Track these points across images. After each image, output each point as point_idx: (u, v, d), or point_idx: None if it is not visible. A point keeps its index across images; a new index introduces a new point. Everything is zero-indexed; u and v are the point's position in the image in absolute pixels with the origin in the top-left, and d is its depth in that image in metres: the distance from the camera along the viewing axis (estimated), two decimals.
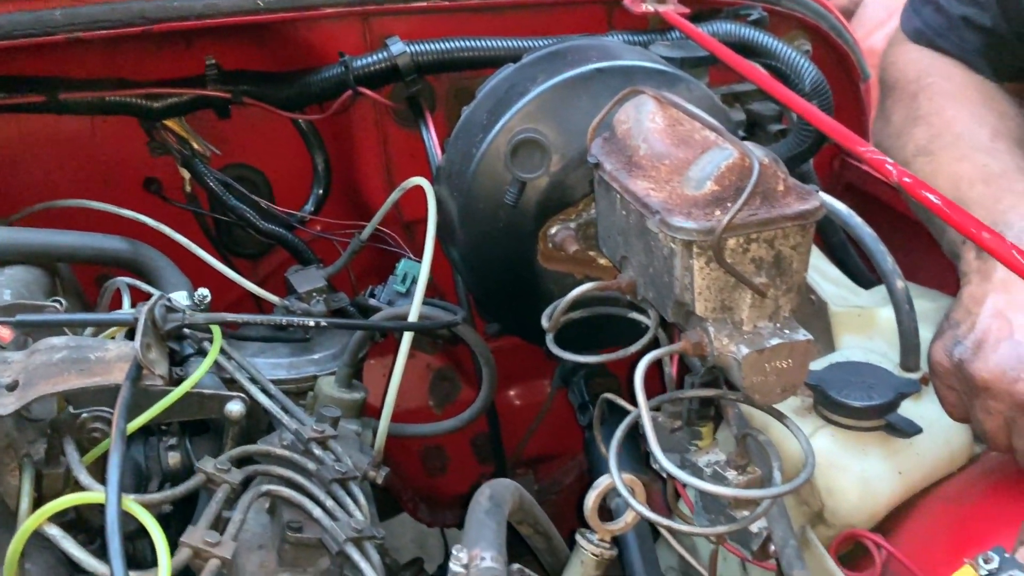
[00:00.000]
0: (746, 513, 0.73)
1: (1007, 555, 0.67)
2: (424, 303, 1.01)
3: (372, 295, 1.10)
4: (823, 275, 1.08)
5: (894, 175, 0.65)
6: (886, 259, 0.87)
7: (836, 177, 1.34)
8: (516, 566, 0.55)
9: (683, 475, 0.61)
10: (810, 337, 0.66)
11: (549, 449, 1.45)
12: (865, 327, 1.01)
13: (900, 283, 0.86)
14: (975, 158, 0.81)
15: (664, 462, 0.62)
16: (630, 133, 0.74)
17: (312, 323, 0.81)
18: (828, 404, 0.82)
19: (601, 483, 0.68)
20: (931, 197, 0.62)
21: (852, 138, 0.69)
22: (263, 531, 0.82)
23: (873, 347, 0.97)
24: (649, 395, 0.72)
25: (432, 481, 1.42)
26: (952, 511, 0.79)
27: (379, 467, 0.88)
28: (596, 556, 0.70)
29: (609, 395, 0.87)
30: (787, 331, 0.66)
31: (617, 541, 0.97)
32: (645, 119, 0.73)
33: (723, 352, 0.66)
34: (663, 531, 0.85)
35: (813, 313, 1.05)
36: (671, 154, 0.70)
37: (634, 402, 0.77)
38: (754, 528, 0.71)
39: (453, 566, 0.53)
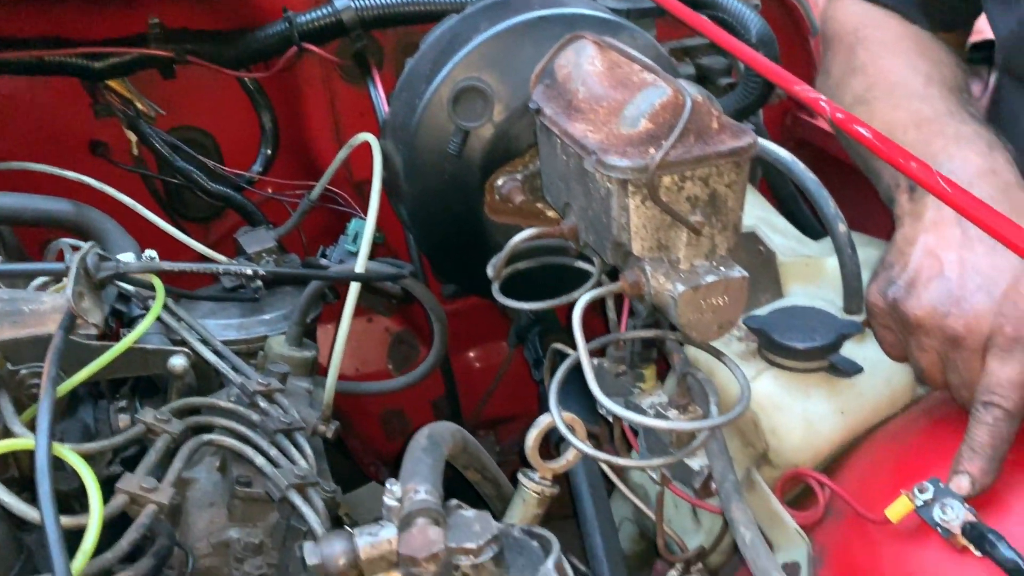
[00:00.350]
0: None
1: (942, 485, 0.68)
2: (376, 261, 1.01)
3: (323, 255, 1.10)
4: (772, 227, 1.09)
5: (828, 111, 0.65)
6: (828, 203, 0.87)
7: (788, 133, 1.35)
8: (454, 501, 0.56)
9: (619, 409, 0.62)
10: (745, 274, 0.66)
11: (510, 410, 1.46)
12: (813, 276, 1.02)
13: (842, 227, 0.86)
14: (909, 105, 0.82)
15: (601, 397, 0.62)
16: (570, 77, 0.74)
17: (250, 271, 0.80)
18: (771, 347, 0.83)
19: (541, 422, 0.68)
20: (862, 131, 0.62)
21: (788, 78, 0.69)
22: (214, 489, 0.82)
23: (820, 295, 0.99)
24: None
25: (393, 445, 1.43)
26: (893, 449, 0.80)
27: (329, 421, 0.88)
28: (538, 494, 0.71)
29: (558, 344, 0.87)
30: (723, 268, 0.66)
31: (571, 493, 0.99)
32: (584, 63, 0.73)
33: (660, 290, 0.66)
34: (609, 472, 0.86)
35: (761, 264, 1.06)
36: (609, 96, 0.70)
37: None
38: (695, 466, 0.72)
39: (387, 500, 0.53)
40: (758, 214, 1.12)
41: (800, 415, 0.81)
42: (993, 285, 0.68)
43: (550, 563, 0.51)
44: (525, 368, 1.29)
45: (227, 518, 0.79)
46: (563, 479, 0.98)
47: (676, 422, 0.64)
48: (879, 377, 0.85)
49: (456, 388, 1.29)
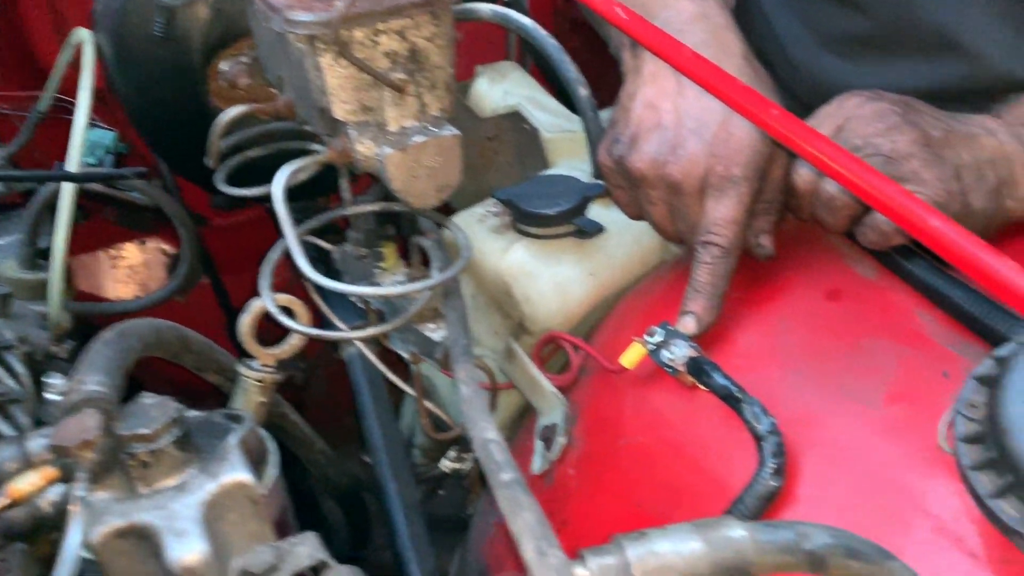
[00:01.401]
0: (431, 325, 0.72)
1: (671, 328, 0.70)
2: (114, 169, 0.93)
3: None
4: (539, 105, 1.08)
5: None
6: (569, 68, 0.86)
7: (561, 16, 1.34)
8: (145, 393, 0.51)
9: (327, 282, 0.59)
10: (457, 133, 0.64)
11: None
12: (577, 150, 1.02)
13: (583, 91, 0.86)
14: None
15: (308, 271, 0.59)
16: None
17: None
18: (521, 217, 0.83)
19: (253, 306, 0.65)
20: None
21: None
22: None
23: (584, 167, 0.99)
24: None
25: (182, 369, 1.35)
26: (640, 303, 0.81)
27: (63, 341, 0.81)
28: (258, 382, 0.68)
29: (311, 238, 0.83)
30: (434, 129, 0.64)
31: (354, 395, 0.96)
32: None
33: (368, 156, 0.63)
34: (376, 361, 0.84)
35: (527, 141, 1.05)
36: None
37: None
38: (437, 338, 0.70)
39: (47, 395, 0.49)
40: (524, 93, 1.10)
41: (551, 280, 0.81)
42: (705, 128, 0.69)
43: (233, 439, 0.48)
44: None
45: None
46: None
47: (393, 287, 0.62)
48: (627, 237, 0.86)
49: (232, 307, 1.22)
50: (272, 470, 0.52)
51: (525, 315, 0.81)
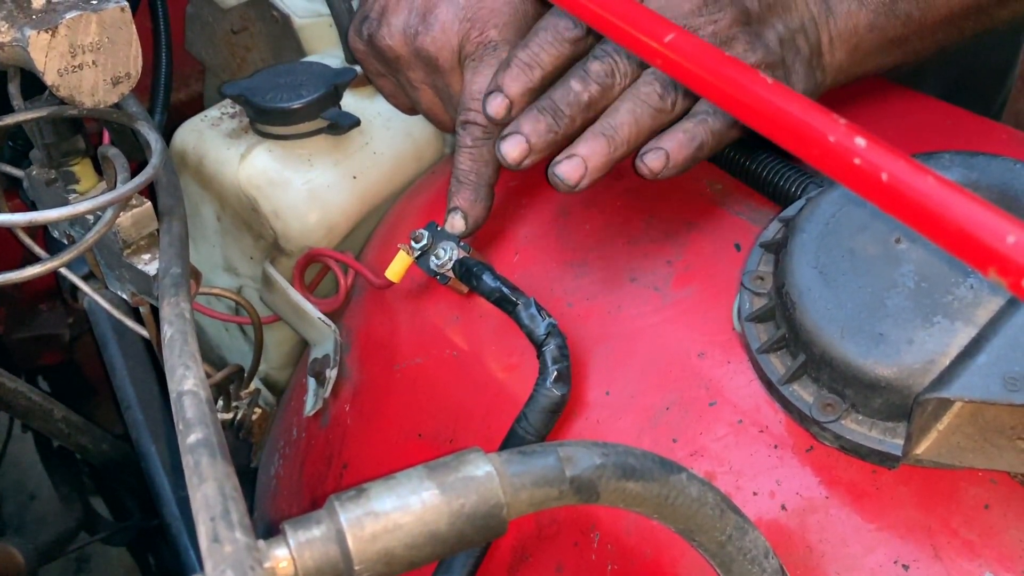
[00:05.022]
0: (146, 257, 0.59)
1: (439, 228, 0.60)
2: None
3: None
4: None
5: None
6: None
7: None
8: None
9: None
10: (123, 3, 0.50)
11: None
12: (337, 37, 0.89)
13: None
14: None
15: None
16: None
17: None
18: (257, 114, 0.69)
19: None
20: None
21: None
22: None
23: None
24: None
25: None
26: (412, 206, 0.71)
27: None
28: None
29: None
30: (94, 1, 0.49)
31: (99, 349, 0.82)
32: None
33: (5, 43, 0.48)
34: (112, 309, 0.69)
35: (280, 31, 0.90)
36: None
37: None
38: (151, 271, 0.57)
39: None
40: None
41: (304, 188, 0.69)
42: None
43: None
44: None
45: None
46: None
47: (66, 208, 0.48)
48: (396, 131, 0.74)
49: None
50: None
51: (278, 232, 0.69)
